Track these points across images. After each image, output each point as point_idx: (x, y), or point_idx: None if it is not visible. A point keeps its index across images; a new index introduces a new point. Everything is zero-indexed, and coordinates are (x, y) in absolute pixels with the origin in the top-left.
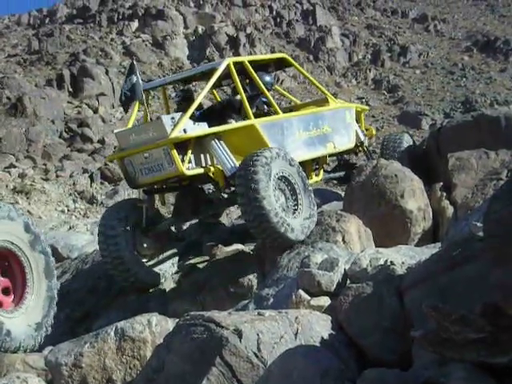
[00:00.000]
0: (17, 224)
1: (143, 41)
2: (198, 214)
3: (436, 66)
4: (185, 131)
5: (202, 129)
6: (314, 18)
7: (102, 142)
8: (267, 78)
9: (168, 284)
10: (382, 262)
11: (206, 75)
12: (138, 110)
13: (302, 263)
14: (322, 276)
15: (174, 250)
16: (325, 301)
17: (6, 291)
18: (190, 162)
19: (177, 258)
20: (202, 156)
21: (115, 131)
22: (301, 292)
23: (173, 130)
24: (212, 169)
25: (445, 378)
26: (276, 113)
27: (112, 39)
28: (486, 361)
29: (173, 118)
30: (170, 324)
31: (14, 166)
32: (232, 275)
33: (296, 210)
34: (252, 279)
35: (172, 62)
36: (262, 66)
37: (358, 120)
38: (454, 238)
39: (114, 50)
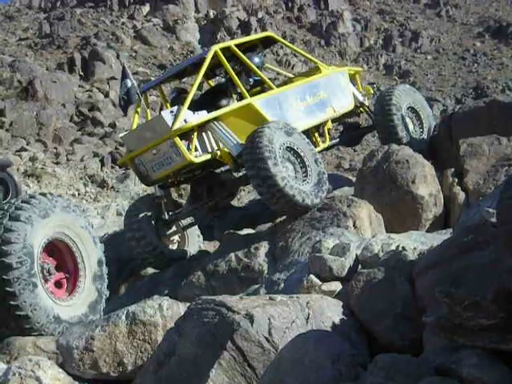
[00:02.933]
0: (69, 216)
1: (154, 25)
2: (213, 197)
3: (447, 52)
4: (185, 121)
5: (201, 116)
6: (326, 2)
7: (112, 125)
8: (256, 59)
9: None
10: (393, 247)
11: (196, 66)
12: (136, 112)
13: (314, 248)
14: (334, 261)
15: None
16: (336, 286)
17: (58, 284)
18: (196, 149)
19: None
20: (207, 142)
21: (120, 135)
22: (312, 277)
23: (174, 122)
24: (219, 152)
25: (456, 364)
26: (270, 88)
27: (123, 23)
28: (498, 347)
29: (172, 112)
30: (181, 308)
31: (25, 150)
32: (243, 260)
33: (306, 177)
34: (263, 264)
35: (183, 46)
36: (249, 48)
37: (354, 83)
38: (465, 224)
39: (124, 33)
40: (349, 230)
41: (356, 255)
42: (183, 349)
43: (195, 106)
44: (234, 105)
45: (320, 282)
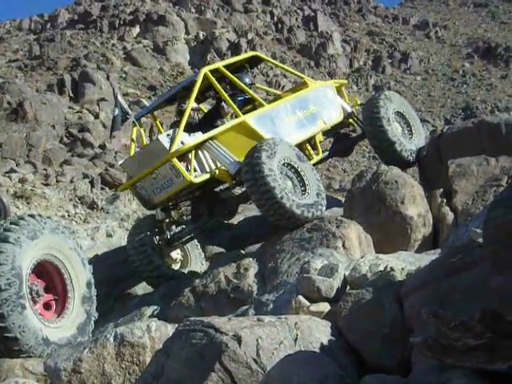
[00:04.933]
0: (58, 237)
1: (144, 46)
2: (214, 215)
3: (437, 73)
4: (182, 143)
5: (197, 137)
6: (316, 24)
7: (102, 147)
8: (247, 79)
9: None
10: (381, 268)
11: (187, 89)
12: (132, 140)
13: (302, 269)
14: (322, 282)
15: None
16: (324, 307)
17: (47, 306)
18: (195, 170)
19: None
20: (204, 162)
21: (119, 163)
22: (300, 298)
23: (171, 144)
24: (217, 171)
25: None
26: (261, 105)
27: (113, 44)
28: (486, 367)
29: (168, 135)
30: (169, 329)
31: (15, 171)
32: (232, 280)
33: (304, 190)
34: (252, 284)
35: (173, 67)
36: (237, 68)
37: (340, 95)
38: (454, 245)
39: (115, 55)
40: (338, 251)
41: (344, 276)
42: (171, 370)
43: (191, 129)
44: (228, 123)
45: (308, 303)
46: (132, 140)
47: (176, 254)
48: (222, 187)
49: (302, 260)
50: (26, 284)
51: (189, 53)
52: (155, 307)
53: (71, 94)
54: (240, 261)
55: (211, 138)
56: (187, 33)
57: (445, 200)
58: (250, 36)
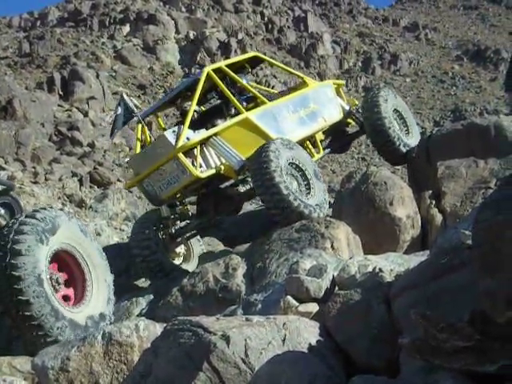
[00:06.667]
0: (73, 227)
1: (134, 45)
2: (220, 211)
3: (426, 75)
4: (188, 139)
5: (202, 133)
6: (306, 24)
7: (91, 145)
8: (244, 79)
9: None
10: (370, 269)
11: (190, 89)
12: (137, 138)
13: (291, 269)
14: (311, 282)
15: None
16: (313, 307)
17: (67, 293)
18: (200, 166)
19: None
20: (209, 158)
21: (126, 160)
22: (289, 298)
23: (177, 140)
24: (222, 167)
25: None
26: (264, 103)
27: (103, 43)
28: (474, 369)
29: (174, 132)
30: (157, 329)
31: (3, 169)
32: (221, 280)
33: (309, 190)
34: (240, 284)
35: (163, 66)
36: (238, 68)
37: (339, 95)
38: (442, 246)
39: (104, 53)
40: (326, 252)
41: (333, 276)
42: (159, 370)
43: (194, 126)
44: (232, 120)
45: (297, 303)
46: (137, 138)
47: (179, 249)
48: (227, 184)
49: (291, 260)
50: (46, 273)
51: (179, 52)
52: (143, 306)
53: (61, 92)
54: (229, 260)
55: (215, 134)
56: (177, 32)
57: (434, 202)
58: (240, 36)
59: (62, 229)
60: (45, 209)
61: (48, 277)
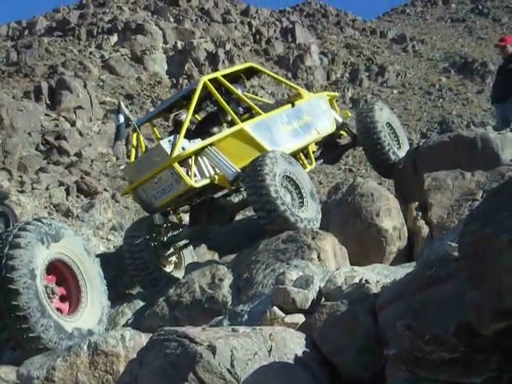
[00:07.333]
0: (66, 237)
1: (122, 55)
2: (212, 221)
3: (413, 87)
4: (183, 149)
5: (198, 143)
6: (294, 35)
7: (78, 155)
8: (239, 90)
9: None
10: (356, 280)
11: (186, 98)
12: (133, 146)
13: (277, 280)
14: (297, 293)
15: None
16: (299, 318)
17: (63, 301)
18: (195, 175)
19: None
20: (204, 168)
21: (121, 168)
22: (275, 309)
23: (172, 150)
24: (216, 177)
25: None
26: (258, 114)
27: (91, 53)
28: (460, 381)
29: (170, 141)
30: (143, 339)
31: None
32: (207, 291)
33: (302, 204)
34: (227, 295)
35: (151, 76)
36: (233, 79)
37: (332, 107)
38: (428, 258)
39: (92, 63)
40: (313, 263)
41: (319, 287)
42: (145, 380)
43: (190, 136)
44: (227, 130)
45: (283, 314)
46: (133, 146)
47: (171, 256)
48: (220, 194)
49: (278, 271)
50: (41, 284)
51: (166, 62)
52: (129, 316)
53: (48, 102)
54: (215, 271)
55: (210, 145)
56: (165, 42)
57: (420, 213)
58: (227, 47)
59: (65, 240)
60: (53, 219)
61: (43, 277)
